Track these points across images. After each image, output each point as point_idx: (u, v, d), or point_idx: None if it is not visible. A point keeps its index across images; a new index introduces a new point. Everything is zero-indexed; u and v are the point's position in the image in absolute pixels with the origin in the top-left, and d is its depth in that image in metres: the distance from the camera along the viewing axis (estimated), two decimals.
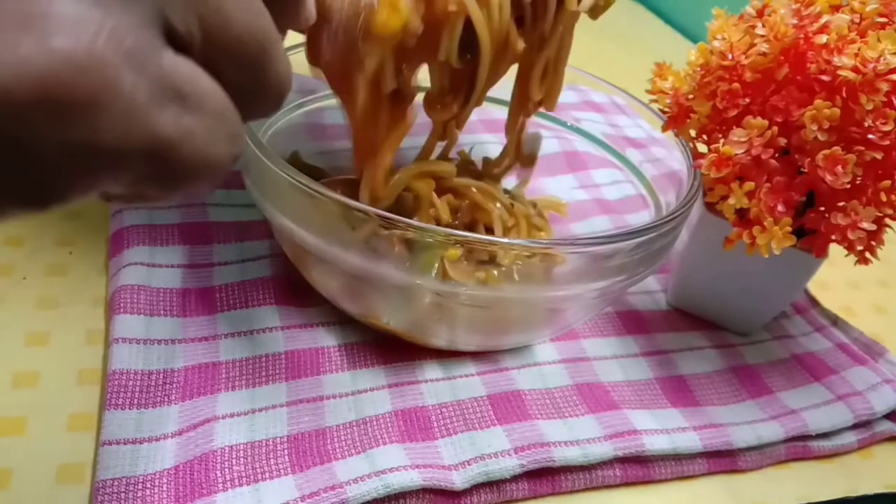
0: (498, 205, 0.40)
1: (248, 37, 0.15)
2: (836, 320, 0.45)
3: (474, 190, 0.40)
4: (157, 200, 0.15)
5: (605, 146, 0.47)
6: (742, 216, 0.33)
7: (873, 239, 0.33)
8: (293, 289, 0.38)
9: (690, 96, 0.36)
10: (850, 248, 0.32)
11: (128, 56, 0.13)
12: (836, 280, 0.50)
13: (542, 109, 0.39)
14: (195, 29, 0.14)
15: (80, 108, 0.12)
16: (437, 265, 0.32)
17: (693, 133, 0.38)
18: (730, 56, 0.33)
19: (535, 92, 0.36)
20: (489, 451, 0.31)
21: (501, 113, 0.40)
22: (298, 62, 0.29)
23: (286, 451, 0.30)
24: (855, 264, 0.34)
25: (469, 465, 0.31)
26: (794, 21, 0.32)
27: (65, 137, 0.12)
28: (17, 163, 0.12)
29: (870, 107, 0.30)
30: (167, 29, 0.14)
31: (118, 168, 0.13)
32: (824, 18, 0.31)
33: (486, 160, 0.43)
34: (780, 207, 0.32)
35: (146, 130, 0.13)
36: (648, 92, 0.39)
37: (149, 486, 0.28)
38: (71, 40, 0.12)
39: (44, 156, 0.12)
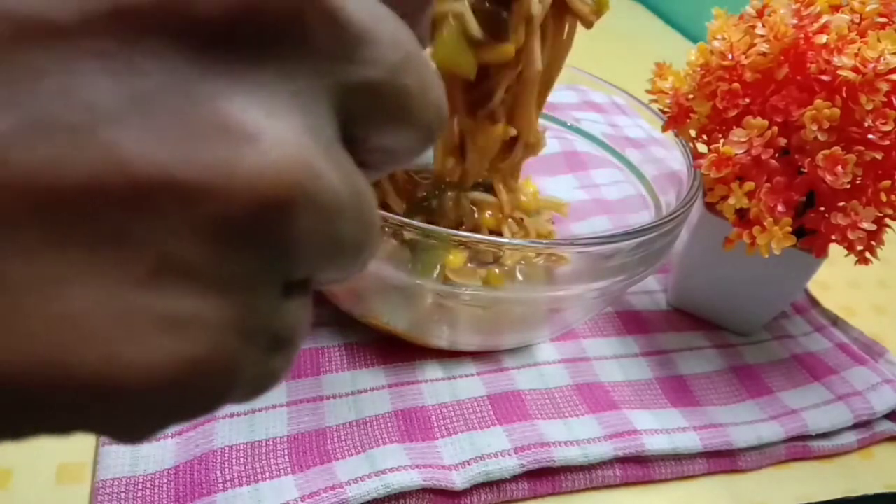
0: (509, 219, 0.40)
1: (354, 249, 0.13)
2: (836, 320, 0.45)
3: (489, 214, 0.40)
4: None
5: (605, 146, 0.47)
6: (742, 216, 0.33)
7: (873, 239, 0.33)
8: None
9: (690, 96, 0.36)
10: (850, 248, 0.32)
11: (250, 341, 0.12)
12: (836, 280, 0.50)
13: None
14: (311, 270, 0.13)
15: (194, 399, 0.12)
16: (438, 267, 0.32)
17: (693, 133, 0.38)
18: (730, 56, 0.33)
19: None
20: (489, 451, 0.31)
21: None
22: None
23: (286, 451, 0.30)
24: (855, 264, 0.34)
25: (469, 465, 0.31)
26: (794, 21, 0.32)
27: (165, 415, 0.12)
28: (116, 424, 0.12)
29: (870, 107, 0.30)
30: (285, 282, 0.13)
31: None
32: (824, 18, 0.31)
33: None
34: (780, 207, 0.32)
35: (236, 380, 0.12)
36: (648, 92, 0.39)
37: (149, 486, 0.28)
38: (202, 348, 0.11)
39: (146, 423, 0.12)
